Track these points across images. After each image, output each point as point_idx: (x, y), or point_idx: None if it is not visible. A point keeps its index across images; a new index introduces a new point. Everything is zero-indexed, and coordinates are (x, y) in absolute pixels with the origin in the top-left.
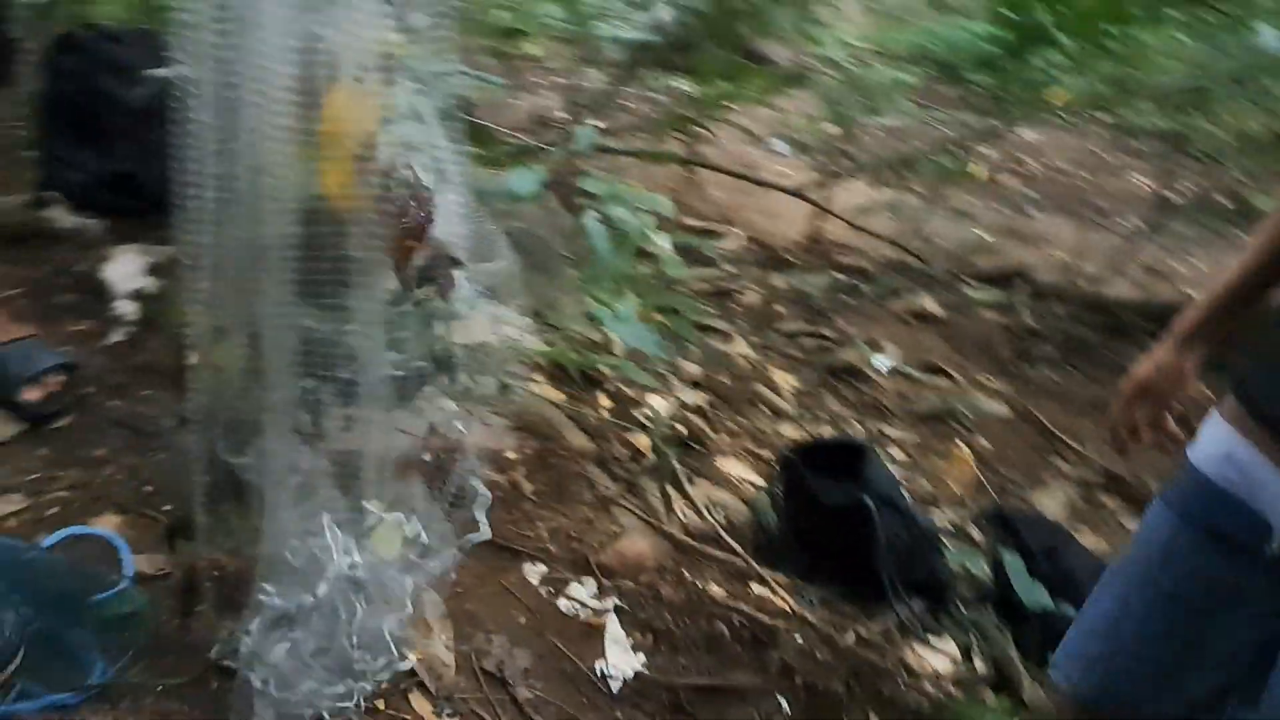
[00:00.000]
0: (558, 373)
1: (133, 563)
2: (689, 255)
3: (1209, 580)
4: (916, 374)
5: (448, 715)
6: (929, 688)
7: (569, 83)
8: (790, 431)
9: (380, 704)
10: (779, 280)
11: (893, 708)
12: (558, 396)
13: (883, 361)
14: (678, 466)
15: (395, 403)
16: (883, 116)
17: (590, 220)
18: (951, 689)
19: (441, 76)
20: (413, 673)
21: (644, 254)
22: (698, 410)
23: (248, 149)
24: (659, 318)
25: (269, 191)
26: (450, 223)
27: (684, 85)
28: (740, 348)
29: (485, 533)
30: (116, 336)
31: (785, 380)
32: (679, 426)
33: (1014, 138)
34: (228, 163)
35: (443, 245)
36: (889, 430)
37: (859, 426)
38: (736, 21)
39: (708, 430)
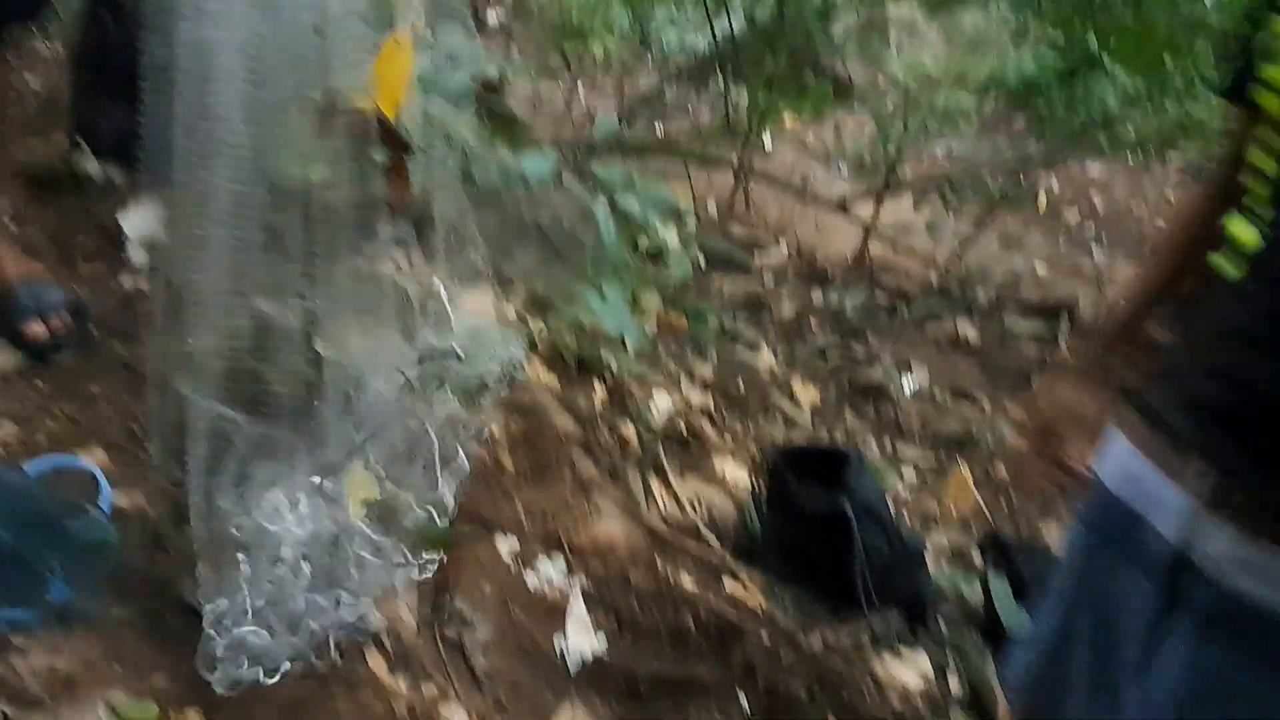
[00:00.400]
0: (555, 357)
1: (111, 496)
2: (729, 264)
3: (1121, 597)
4: (942, 397)
5: (402, 677)
6: (895, 701)
7: (628, 86)
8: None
9: (337, 659)
10: (817, 295)
11: (855, 716)
12: (550, 381)
13: (909, 382)
14: (665, 459)
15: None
16: (944, 141)
17: (598, 208)
18: (919, 705)
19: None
20: (372, 632)
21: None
22: (702, 410)
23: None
24: (672, 317)
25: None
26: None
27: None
28: (765, 357)
29: (448, 502)
30: (127, 282)
31: (805, 393)
32: (679, 423)
33: (1079, 172)
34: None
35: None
36: (905, 450)
37: (874, 444)
38: (807, 39)
39: (708, 431)
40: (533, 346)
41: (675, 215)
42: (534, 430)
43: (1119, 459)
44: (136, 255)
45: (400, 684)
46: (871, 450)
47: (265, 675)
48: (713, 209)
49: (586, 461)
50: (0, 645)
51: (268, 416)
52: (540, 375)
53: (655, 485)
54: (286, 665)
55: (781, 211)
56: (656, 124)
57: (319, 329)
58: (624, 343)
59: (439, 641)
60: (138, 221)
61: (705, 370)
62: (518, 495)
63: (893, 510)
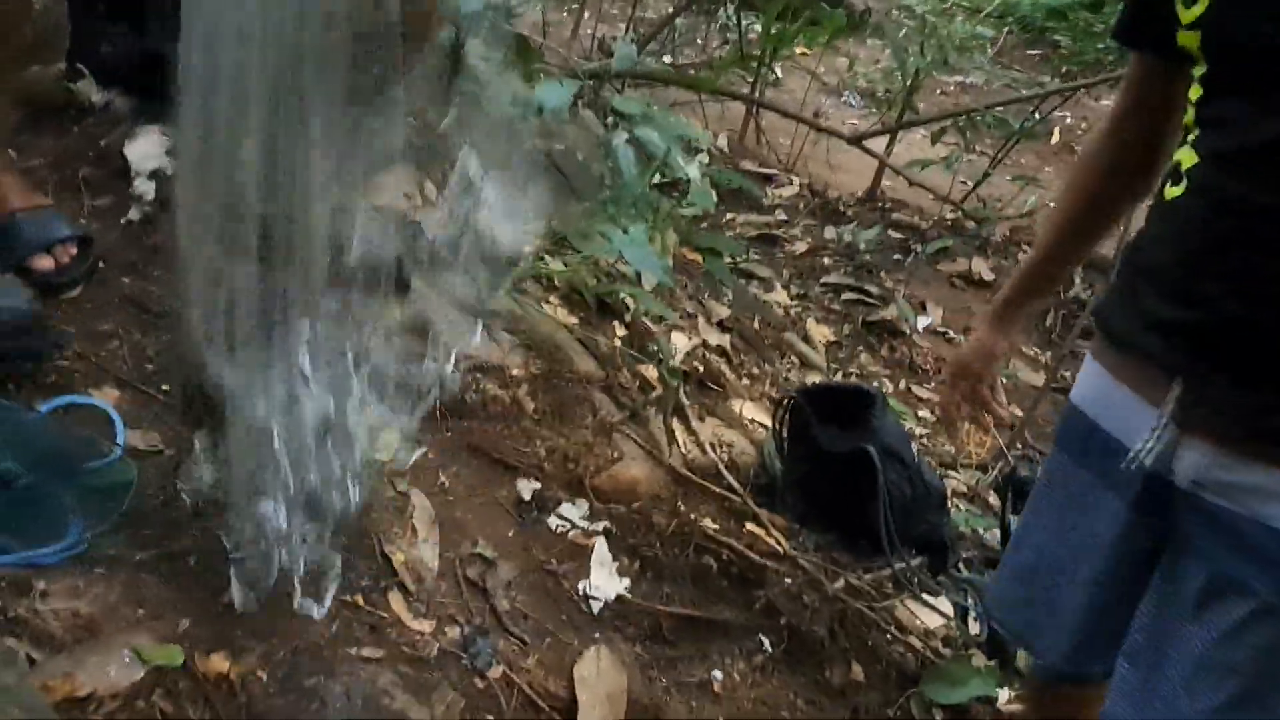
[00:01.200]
0: (574, 296)
1: (125, 436)
2: (741, 199)
3: (1092, 516)
4: (956, 336)
5: (424, 618)
6: (917, 643)
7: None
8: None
9: (359, 600)
10: (831, 232)
11: (875, 658)
12: (570, 320)
13: (922, 321)
14: (685, 401)
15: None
16: (957, 72)
17: (617, 140)
18: (940, 647)
19: None
20: (394, 573)
21: (677, 187)
22: (720, 351)
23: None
24: (692, 254)
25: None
26: None
27: (759, 26)
28: (780, 296)
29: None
30: (133, 214)
31: (820, 332)
32: (697, 365)
33: (1093, 103)
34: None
35: None
36: (919, 390)
37: (889, 384)
38: None
39: (727, 372)
40: (550, 286)
41: (694, 148)
42: (554, 371)
43: (1090, 381)
44: (142, 187)
45: (423, 625)
46: (886, 389)
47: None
48: (724, 142)
49: (608, 403)
50: (21, 587)
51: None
52: (559, 314)
53: (677, 427)
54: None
55: (794, 145)
56: (667, 54)
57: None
58: (639, 280)
59: (460, 583)
60: (143, 152)
61: (722, 310)
62: (538, 437)
63: (916, 452)
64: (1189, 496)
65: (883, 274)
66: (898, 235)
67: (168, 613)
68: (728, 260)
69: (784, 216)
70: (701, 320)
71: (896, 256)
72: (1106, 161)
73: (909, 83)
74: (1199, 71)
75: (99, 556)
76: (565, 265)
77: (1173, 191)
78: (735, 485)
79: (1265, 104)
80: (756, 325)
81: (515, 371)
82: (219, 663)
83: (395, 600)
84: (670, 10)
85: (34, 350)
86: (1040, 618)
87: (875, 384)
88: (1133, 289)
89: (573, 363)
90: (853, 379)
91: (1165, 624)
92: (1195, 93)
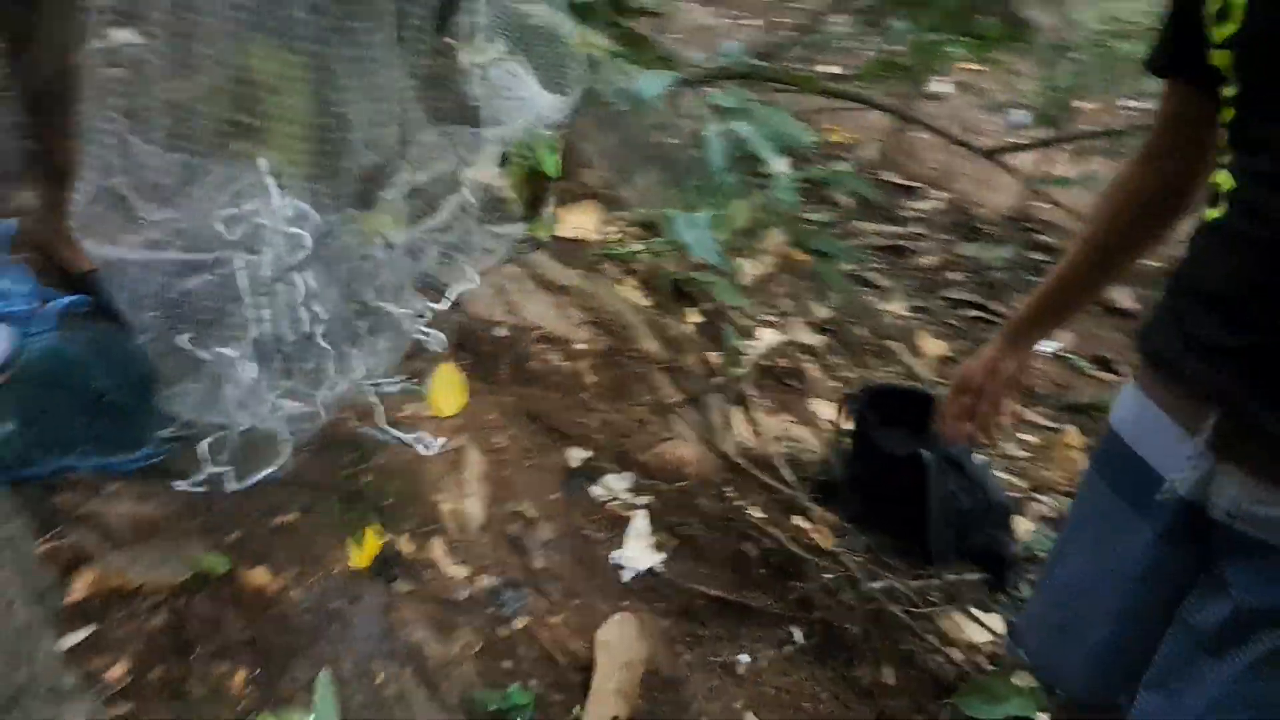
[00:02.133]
0: (651, 280)
1: None
2: (875, 209)
3: (1121, 541)
4: (1081, 362)
5: (460, 564)
6: (958, 655)
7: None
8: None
9: (405, 543)
10: (965, 248)
11: (909, 664)
12: (643, 302)
13: (1046, 345)
14: (751, 392)
15: None
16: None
17: (709, 132)
18: (985, 663)
19: None
20: (440, 520)
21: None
22: (808, 350)
23: None
24: (802, 256)
25: None
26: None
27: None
28: (896, 305)
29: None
30: None
31: (933, 345)
32: (781, 361)
33: None
34: None
35: None
36: (1029, 414)
37: None
38: None
39: (812, 371)
40: (629, 268)
41: (786, 146)
42: (618, 349)
43: (1130, 405)
44: None
45: (459, 571)
46: None
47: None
48: (867, 152)
49: (667, 384)
50: (96, 488)
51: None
52: (634, 296)
53: (738, 416)
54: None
55: (943, 160)
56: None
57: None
58: (717, 270)
59: (500, 538)
60: None
61: (821, 311)
62: (595, 409)
63: (978, 462)
64: (1222, 528)
65: (1014, 293)
66: (1036, 256)
67: (221, 526)
68: (845, 266)
69: (919, 230)
70: (796, 319)
71: (1031, 277)
72: (1138, 190)
73: (1069, 100)
74: (1230, 92)
75: (171, 469)
76: (648, 249)
77: (1212, 214)
78: (788, 478)
79: None
80: (861, 331)
81: (580, 346)
82: (260, 575)
83: (437, 544)
84: (818, 15)
85: None
86: (1066, 646)
87: None
88: (1175, 311)
89: (638, 343)
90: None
91: (1188, 655)
92: (1228, 114)
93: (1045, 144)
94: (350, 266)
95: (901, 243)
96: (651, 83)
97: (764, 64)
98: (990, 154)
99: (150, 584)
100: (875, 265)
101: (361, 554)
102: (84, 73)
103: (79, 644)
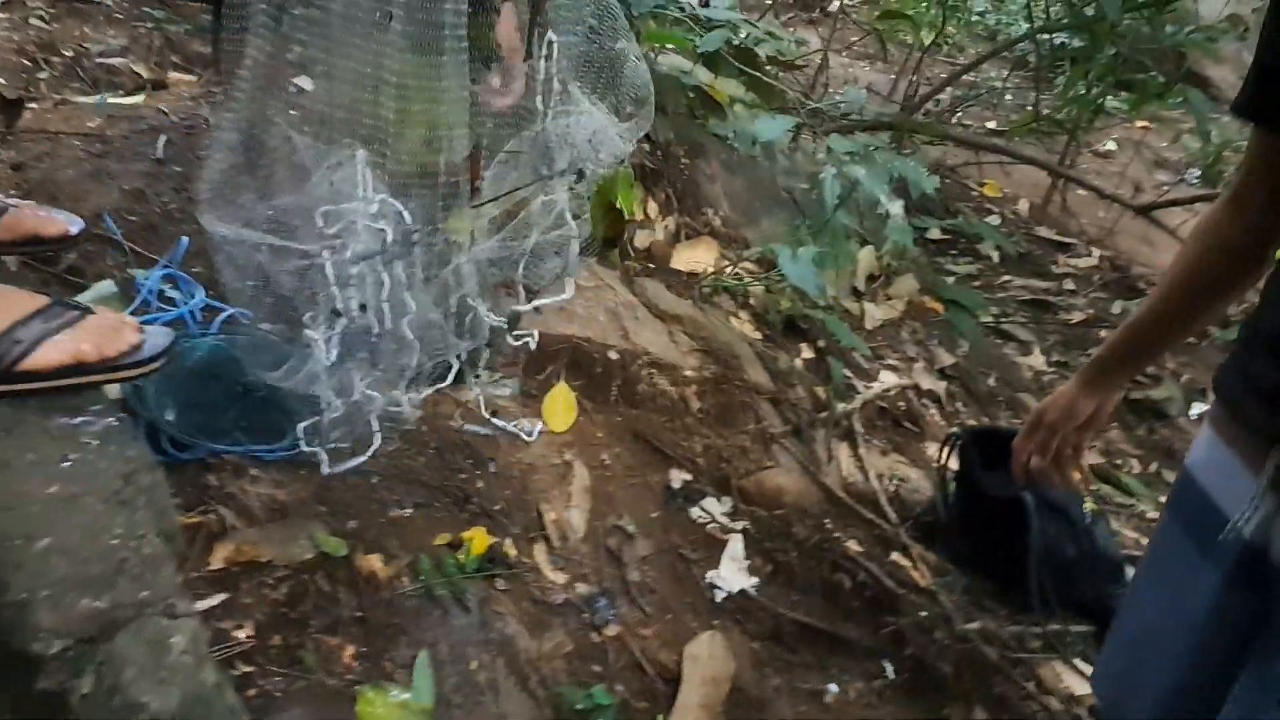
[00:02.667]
0: (765, 315)
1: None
2: (1025, 263)
3: (1190, 584)
4: None
5: (560, 571)
6: (1056, 705)
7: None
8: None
9: (509, 546)
10: (1119, 306)
11: (1002, 708)
12: (753, 334)
13: (1198, 408)
14: (859, 429)
15: None
16: None
17: (825, 174)
18: (1083, 714)
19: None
20: (543, 528)
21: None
22: (930, 395)
23: None
24: (932, 303)
25: None
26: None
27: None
28: (1035, 360)
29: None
30: None
31: None
32: (900, 403)
33: None
34: None
35: None
36: (1169, 474)
37: (1136, 464)
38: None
39: (930, 416)
40: (744, 302)
41: (904, 189)
42: (726, 377)
43: (1203, 446)
44: None
45: (558, 577)
46: (1131, 468)
47: None
48: (1022, 207)
49: (773, 415)
50: (239, 470)
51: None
52: (745, 329)
53: (843, 451)
54: None
55: (1105, 218)
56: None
57: None
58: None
59: (599, 549)
60: None
61: (946, 358)
62: (698, 434)
63: (1089, 512)
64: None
65: (1166, 355)
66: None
67: (344, 513)
68: (982, 317)
69: (1071, 286)
70: (920, 365)
71: (1189, 340)
72: (1224, 236)
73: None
74: None
75: (305, 461)
76: (763, 284)
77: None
78: (889, 514)
79: None
80: (992, 381)
81: (688, 372)
82: (374, 561)
83: (539, 550)
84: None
85: None
86: (1133, 691)
87: (1116, 461)
88: (1244, 353)
89: (745, 372)
90: (1092, 455)
91: (1254, 710)
92: None
93: (1200, 200)
94: (439, 266)
95: (1049, 298)
96: (769, 127)
97: (890, 115)
98: (1144, 210)
99: (278, 559)
100: (1018, 319)
101: (469, 552)
102: None
103: (213, 607)
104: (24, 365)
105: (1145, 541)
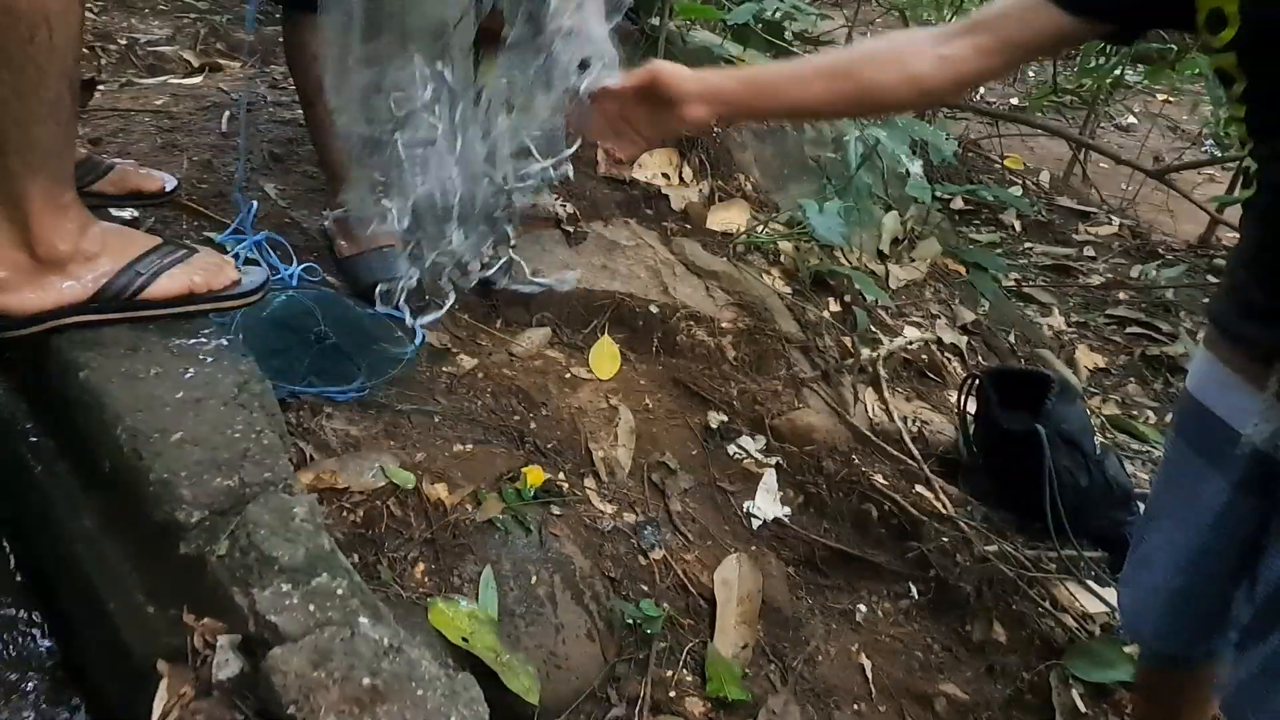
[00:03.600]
0: (795, 271)
1: (423, 336)
2: (1047, 231)
3: (1203, 498)
4: None
5: (609, 502)
6: (1071, 621)
7: None
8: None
9: (561, 479)
10: (1136, 270)
11: (1020, 624)
12: (784, 289)
13: None
14: (884, 374)
15: None
16: None
17: (848, 137)
18: (1097, 631)
19: None
20: (593, 465)
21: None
22: (952, 348)
23: None
24: (954, 265)
25: None
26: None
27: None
28: (1055, 320)
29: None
30: None
31: (1090, 358)
32: (924, 355)
33: None
34: None
35: None
36: None
37: (1152, 415)
38: None
39: (952, 367)
40: (775, 260)
41: (924, 150)
42: (759, 328)
43: (1203, 369)
44: None
45: (607, 507)
46: (1148, 418)
47: None
48: (1044, 178)
49: (803, 361)
50: (315, 411)
51: None
52: (777, 284)
53: (870, 395)
54: None
55: (1126, 188)
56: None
57: None
58: (850, 261)
59: (645, 482)
60: None
61: (968, 315)
62: (734, 380)
63: (1101, 445)
64: None
65: (1182, 313)
66: (1213, 279)
67: (412, 447)
68: (1003, 280)
69: (1091, 253)
70: (943, 321)
71: (1206, 300)
72: (921, 65)
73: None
74: (1239, 89)
75: (374, 402)
76: (792, 241)
77: (1245, 193)
78: (915, 452)
79: None
80: (1012, 338)
81: (724, 324)
82: (440, 490)
83: (589, 484)
84: None
85: None
86: (1146, 598)
87: (1134, 413)
88: (1232, 282)
89: (777, 324)
90: (1111, 406)
91: (1268, 614)
92: (1239, 110)
93: (1209, 163)
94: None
95: (1070, 263)
96: None
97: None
98: (1157, 174)
99: (354, 486)
100: (1040, 283)
101: (525, 483)
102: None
103: None
104: (145, 295)
105: None
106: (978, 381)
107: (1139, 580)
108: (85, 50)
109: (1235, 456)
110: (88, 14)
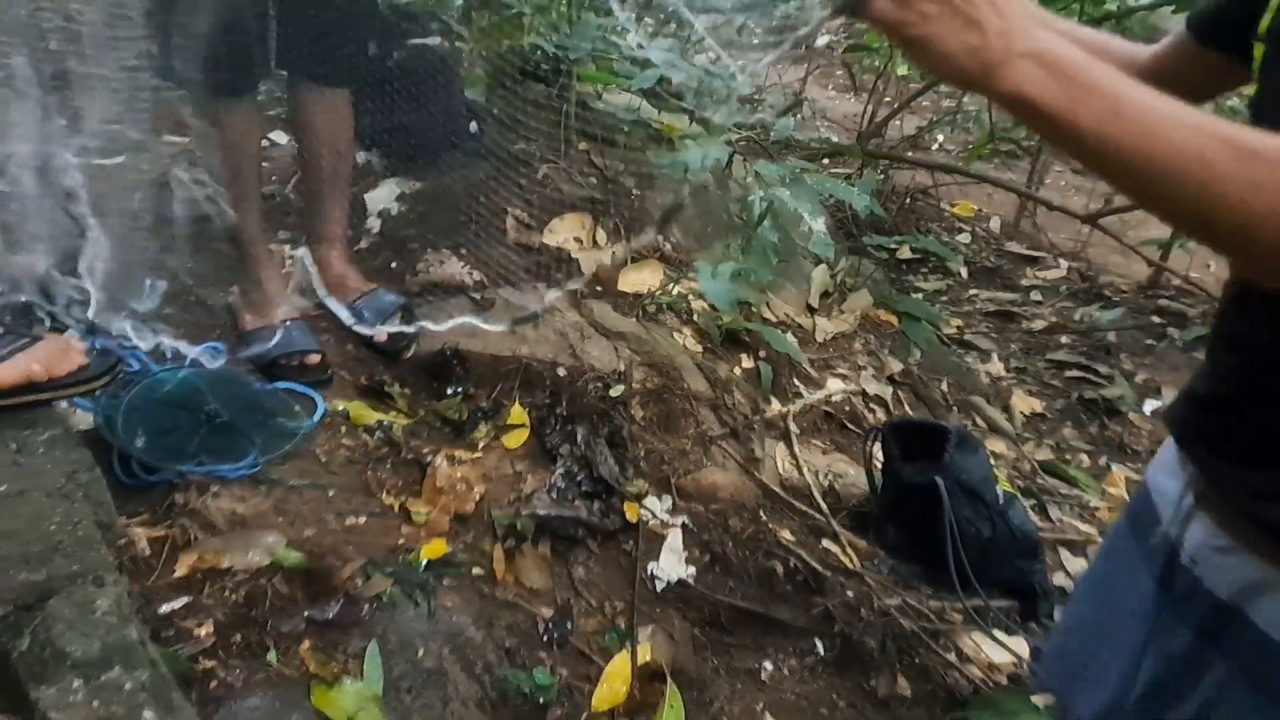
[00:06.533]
0: (705, 330)
1: (324, 410)
2: (992, 276)
3: (1124, 582)
4: None
5: (513, 573)
6: (977, 673)
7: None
8: (997, 446)
9: (462, 551)
10: (1078, 313)
11: (925, 678)
12: (695, 348)
13: (1150, 404)
14: (795, 430)
15: None
16: None
17: (752, 197)
18: (1002, 681)
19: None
20: (495, 532)
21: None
22: (876, 399)
23: None
24: (886, 316)
25: None
26: None
27: None
28: (994, 366)
29: None
30: (362, 244)
31: (1027, 403)
32: (845, 408)
33: None
34: None
35: None
36: (1120, 469)
37: (1085, 459)
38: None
39: (876, 418)
40: (687, 318)
41: (826, 207)
42: (667, 387)
43: (1163, 451)
44: (371, 224)
45: (509, 578)
46: (1080, 462)
47: None
48: (994, 224)
49: (712, 419)
50: (202, 488)
51: None
52: (688, 343)
53: (780, 451)
54: None
55: (1077, 232)
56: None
57: None
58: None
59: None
60: (379, 196)
61: (897, 366)
62: (639, 440)
63: (1004, 495)
64: (1187, 571)
65: (1123, 356)
66: (1159, 320)
67: (302, 522)
68: (941, 328)
69: (1037, 297)
70: (869, 372)
71: (1149, 341)
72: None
73: None
74: (1250, 93)
75: (265, 478)
76: (703, 300)
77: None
78: (822, 506)
79: None
80: (944, 387)
81: (633, 385)
82: (328, 565)
83: (496, 553)
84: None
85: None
86: (1080, 680)
87: (1067, 457)
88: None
89: (685, 382)
90: (1046, 450)
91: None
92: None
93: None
94: None
95: (1013, 309)
96: (696, 155)
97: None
98: (1090, 220)
99: (237, 566)
100: (981, 330)
101: (417, 557)
102: None
103: (176, 609)
104: None
105: (1090, 530)
106: (880, 434)
107: (1072, 657)
108: None
109: (1156, 546)
110: None
